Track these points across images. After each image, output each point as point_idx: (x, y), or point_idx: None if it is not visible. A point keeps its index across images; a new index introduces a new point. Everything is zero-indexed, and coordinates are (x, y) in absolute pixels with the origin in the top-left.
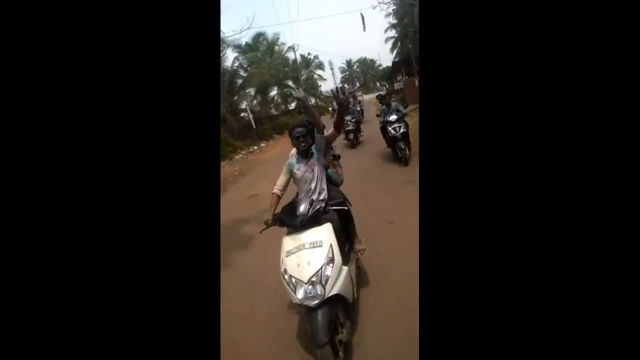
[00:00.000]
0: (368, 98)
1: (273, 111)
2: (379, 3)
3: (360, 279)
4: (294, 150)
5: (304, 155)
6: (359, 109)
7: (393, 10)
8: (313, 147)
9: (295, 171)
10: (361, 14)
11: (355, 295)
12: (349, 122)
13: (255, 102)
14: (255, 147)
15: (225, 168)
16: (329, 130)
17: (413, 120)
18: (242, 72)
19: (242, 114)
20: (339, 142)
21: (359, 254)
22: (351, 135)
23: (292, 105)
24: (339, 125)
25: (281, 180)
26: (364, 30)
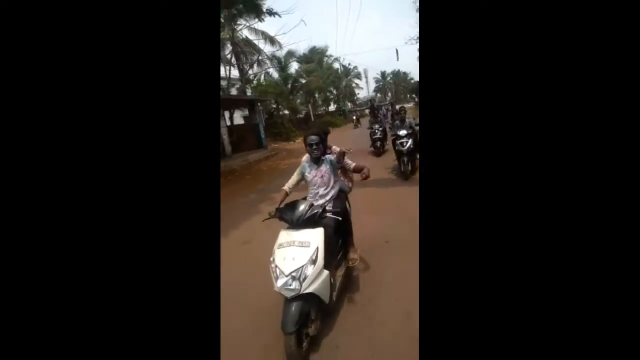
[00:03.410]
0: (399, 108)
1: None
2: (410, 39)
3: (349, 285)
4: (306, 156)
5: (316, 161)
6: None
7: None
8: (328, 158)
9: (306, 174)
10: (396, 49)
11: (334, 299)
12: (376, 131)
13: (298, 102)
14: None
15: (296, 145)
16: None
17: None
18: (298, 78)
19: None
20: (366, 149)
21: (350, 263)
22: (378, 144)
23: (332, 107)
24: (358, 170)
25: (292, 179)
26: (397, 60)
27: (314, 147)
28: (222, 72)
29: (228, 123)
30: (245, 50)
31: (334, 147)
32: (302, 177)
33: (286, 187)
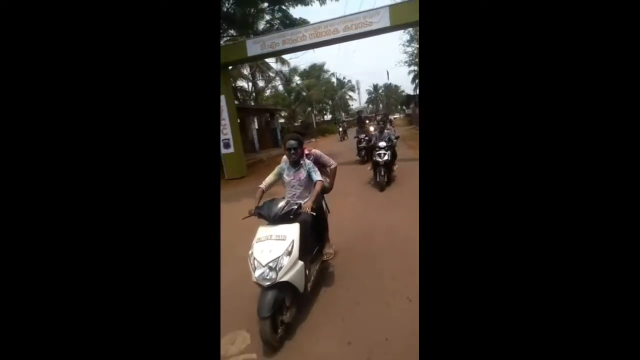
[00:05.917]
0: (391, 118)
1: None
2: (398, 62)
3: (324, 278)
4: (285, 157)
5: (294, 164)
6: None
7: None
8: (308, 165)
9: (285, 175)
10: (387, 71)
11: (309, 289)
12: (362, 140)
13: (297, 110)
14: (313, 140)
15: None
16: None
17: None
18: (300, 91)
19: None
20: (352, 158)
21: (325, 257)
22: (362, 152)
23: (328, 117)
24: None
25: (269, 178)
26: (388, 79)
27: (292, 151)
28: (246, 87)
29: (256, 127)
30: (262, 68)
31: (313, 150)
32: (280, 178)
33: (263, 185)
